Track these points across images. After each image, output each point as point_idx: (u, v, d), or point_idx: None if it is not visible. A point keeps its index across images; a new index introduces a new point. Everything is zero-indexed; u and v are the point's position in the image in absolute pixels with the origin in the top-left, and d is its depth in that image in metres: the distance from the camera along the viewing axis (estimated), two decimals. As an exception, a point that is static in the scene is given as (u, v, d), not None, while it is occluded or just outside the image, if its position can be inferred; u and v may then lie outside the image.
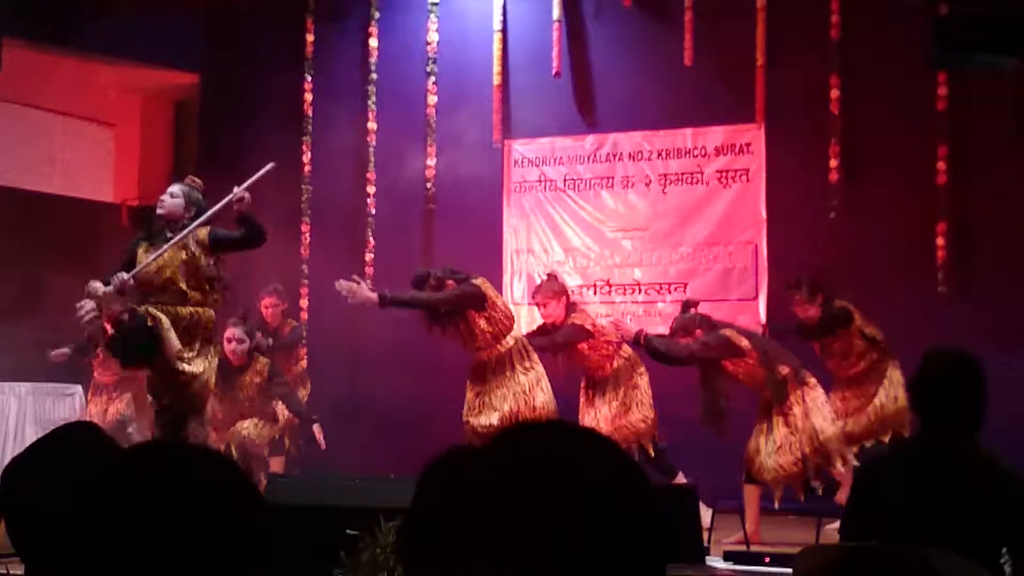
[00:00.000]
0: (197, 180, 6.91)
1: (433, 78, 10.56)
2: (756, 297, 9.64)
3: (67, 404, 9.66)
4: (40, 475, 2.07)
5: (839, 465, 7.26)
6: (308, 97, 10.90)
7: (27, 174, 10.57)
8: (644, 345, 7.45)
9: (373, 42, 10.78)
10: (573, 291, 9.01)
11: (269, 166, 6.69)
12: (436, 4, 10.59)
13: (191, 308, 6.56)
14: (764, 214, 9.64)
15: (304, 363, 9.84)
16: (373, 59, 10.76)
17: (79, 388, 9.71)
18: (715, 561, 6.02)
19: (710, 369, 7.44)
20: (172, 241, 6.46)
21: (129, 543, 1.34)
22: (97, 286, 6.48)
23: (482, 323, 7.59)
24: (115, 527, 1.35)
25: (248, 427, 8.72)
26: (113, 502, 1.37)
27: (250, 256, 9.88)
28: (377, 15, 10.78)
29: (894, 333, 8.62)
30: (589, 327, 8.01)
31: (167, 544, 1.35)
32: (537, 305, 8.22)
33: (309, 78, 10.91)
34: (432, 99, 10.56)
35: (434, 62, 10.56)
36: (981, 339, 7.62)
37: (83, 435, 2.18)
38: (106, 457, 1.75)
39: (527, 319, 10.36)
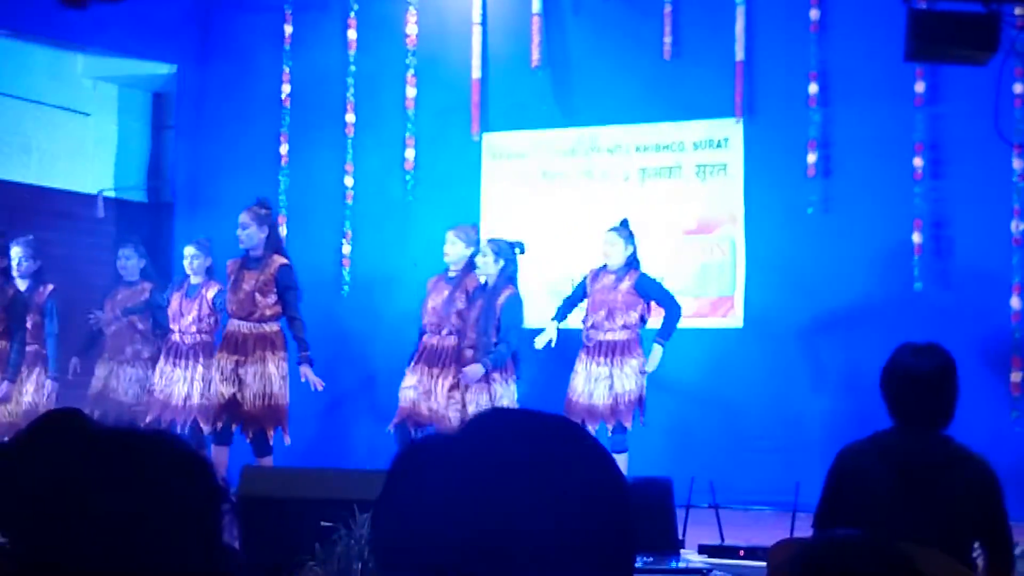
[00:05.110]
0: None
1: (412, 70, 10.52)
2: (734, 291, 9.64)
3: None
4: (25, 462, 2.06)
5: None
6: (286, 88, 10.86)
7: (2, 163, 10.48)
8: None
9: (352, 33, 10.73)
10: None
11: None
12: (415, -4, 10.56)
13: None
14: (742, 209, 9.65)
15: None
16: (352, 50, 10.72)
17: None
18: (690, 554, 6.02)
19: None
20: None
21: (100, 530, 1.33)
22: None
23: None
24: (87, 512, 1.34)
25: None
26: (87, 490, 1.36)
27: (228, 249, 9.86)
28: (356, 6, 10.73)
29: (870, 328, 8.65)
30: None
31: (135, 533, 1.33)
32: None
33: (287, 69, 10.86)
34: (411, 91, 10.53)
35: (413, 54, 10.53)
36: (957, 334, 7.65)
37: (69, 421, 2.17)
38: (88, 444, 1.73)
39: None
